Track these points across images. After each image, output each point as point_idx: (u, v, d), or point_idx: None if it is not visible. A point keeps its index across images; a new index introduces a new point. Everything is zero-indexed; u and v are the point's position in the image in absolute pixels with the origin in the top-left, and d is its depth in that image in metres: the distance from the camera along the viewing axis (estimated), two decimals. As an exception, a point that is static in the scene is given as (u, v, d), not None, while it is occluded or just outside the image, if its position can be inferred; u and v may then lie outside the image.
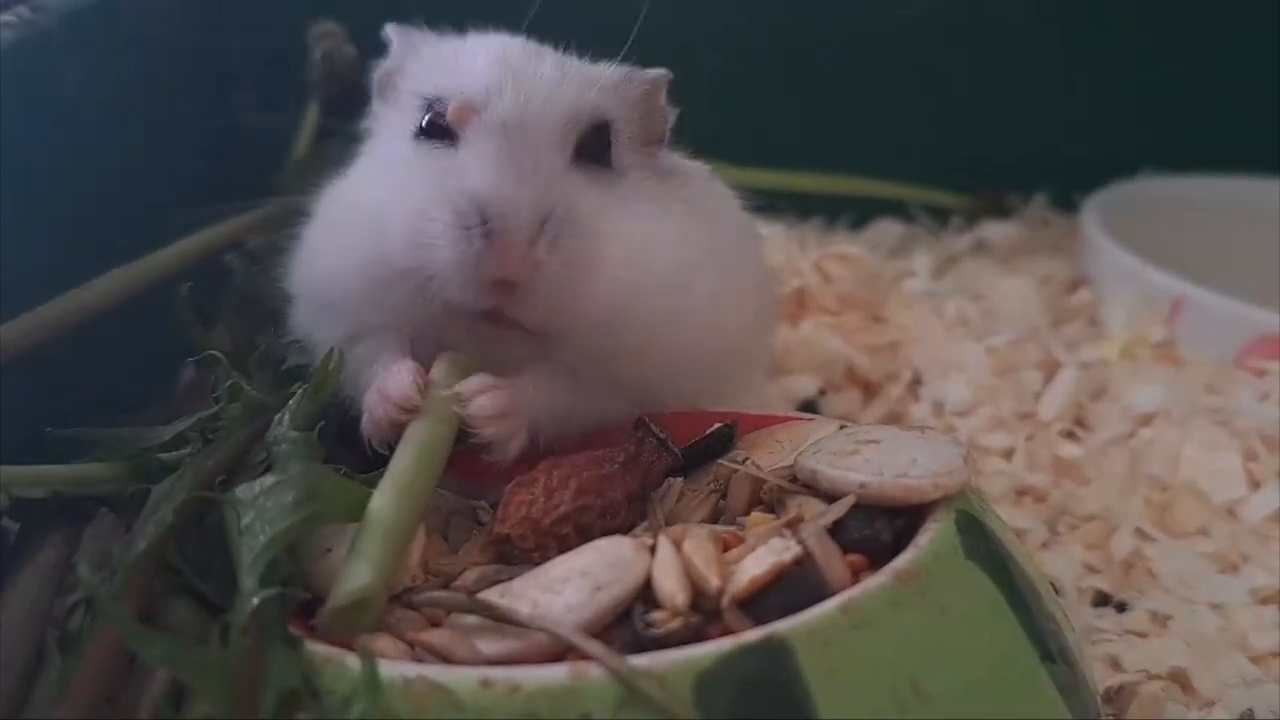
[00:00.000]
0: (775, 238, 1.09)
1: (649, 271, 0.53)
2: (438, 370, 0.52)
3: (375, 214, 0.52)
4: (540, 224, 0.50)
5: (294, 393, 0.52)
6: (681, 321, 0.55)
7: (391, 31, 0.60)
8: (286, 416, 0.50)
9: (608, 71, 0.56)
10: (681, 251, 0.55)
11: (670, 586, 0.41)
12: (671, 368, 0.55)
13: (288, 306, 0.60)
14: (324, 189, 0.59)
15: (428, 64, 0.57)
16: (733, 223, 0.65)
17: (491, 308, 0.51)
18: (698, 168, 0.65)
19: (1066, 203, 1.20)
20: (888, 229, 1.21)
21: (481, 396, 0.50)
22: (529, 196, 0.50)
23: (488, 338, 0.52)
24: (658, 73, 0.58)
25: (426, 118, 0.54)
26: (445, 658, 0.41)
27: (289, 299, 0.59)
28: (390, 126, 0.59)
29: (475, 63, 0.54)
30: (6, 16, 0.68)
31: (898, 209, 1.22)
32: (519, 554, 0.47)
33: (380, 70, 0.61)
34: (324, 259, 0.56)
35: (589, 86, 0.54)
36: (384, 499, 0.46)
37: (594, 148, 0.54)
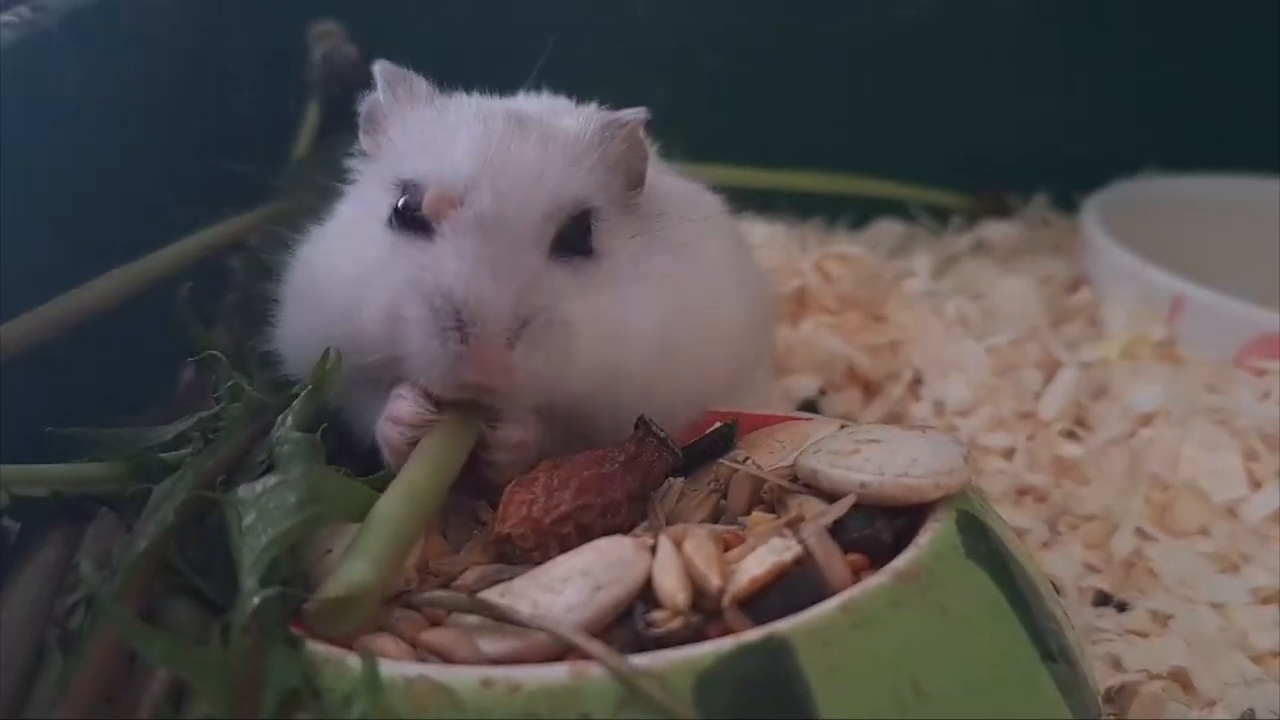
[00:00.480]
0: (775, 237, 1.09)
1: (631, 350, 0.53)
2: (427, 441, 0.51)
3: (349, 300, 0.52)
4: (518, 326, 0.49)
5: (295, 394, 0.52)
6: (668, 375, 0.54)
7: (379, 71, 0.58)
8: (289, 418, 0.50)
9: (589, 132, 0.54)
10: (663, 315, 0.54)
11: (671, 586, 0.41)
12: (665, 408, 0.55)
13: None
14: (308, 235, 0.59)
15: (409, 134, 0.55)
16: (720, 246, 0.64)
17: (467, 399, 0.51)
18: (680, 188, 0.64)
19: (1067, 202, 1.20)
20: (888, 229, 1.21)
21: (511, 425, 0.51)
22: (507, 299, 0.49)
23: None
24: (635, 114, 0.56)
25: (402, 201, 0.52)
26: (446, 657, 0.41)
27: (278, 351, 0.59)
28: (369, 190, 0.57)
29: (455, 146, 0.52)
30: (7, 16, 0.68)
31: (898, 209, 1.22)
32: (520, 553, 0.47)
33: (367, 105, 0.58)
34: (300, 330, 0.56)
35: (573, 169, 0.53)
36: (392, 500, 0.46)
37: (574, 236, 0.53)
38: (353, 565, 0.43)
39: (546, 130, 0.54)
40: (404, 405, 0.51)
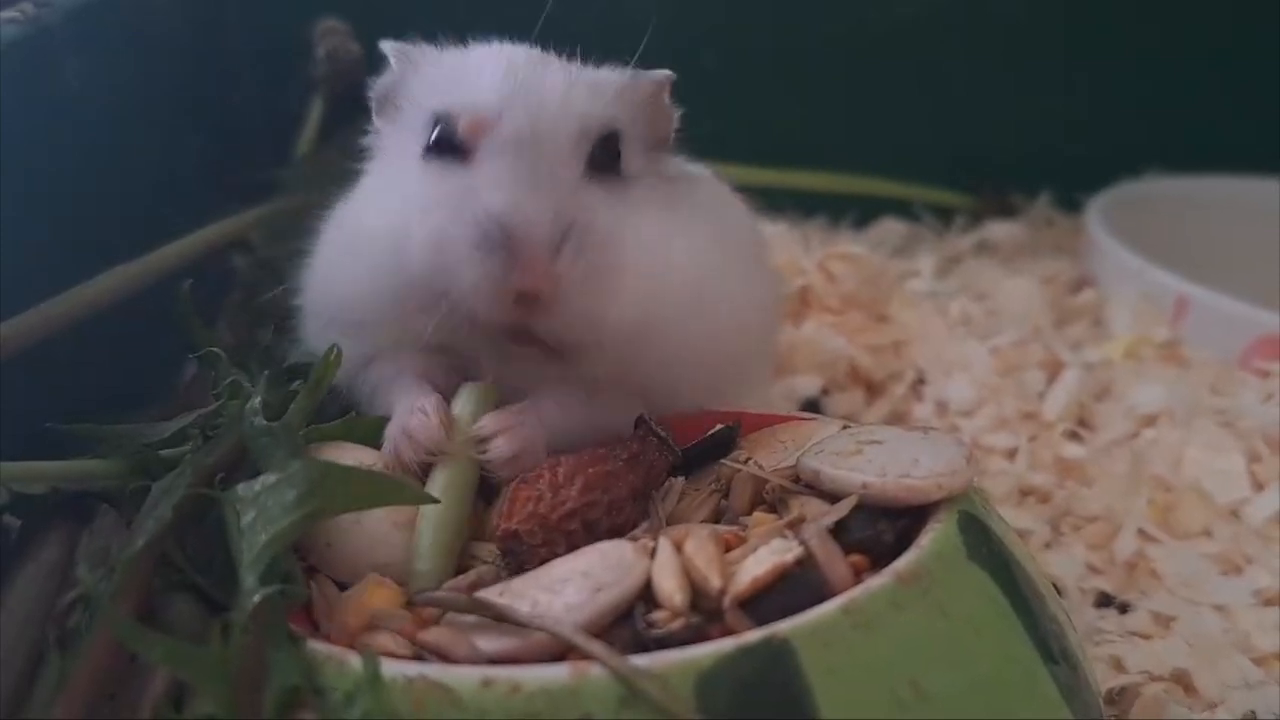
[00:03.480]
0: (779, 237, 1.09)
1: (670, 277, 0.53)
2: (460, 404, 0.52)
3: (393, 235, 0.52)
4: (561, 236, 0.49)
5: (296, 391, 0.52)
6: (703, 325, 0.55)
7: (389, 48, 0.59)
8: (257, 407, 0.50)
9: (614, 76, 0.56)
10: (697, 256, 0.55)
11: (669, 586, 0.41)
12: (694, 372, 0.56)
13: (296, 320, 0.59)
14: (331, 210, 0.59)
15: (432, 79, 0.57)
16: (740, 225, 0.66)
17: (517, 324, 0.51)
18: (701, 171, 0.65)
19: (1070, 203, 1.20)
20: (891, 228, 1.21)
21: (499, 439, 0.51)
22: (548, 210, 0.49)
23: (511, 356, 0.52)
24: (661, 74, 0.58)
25: (436, 133, 0.53)
26: (444, 656, 0.41)
27: (298, 314, 0.59)
28: (396, 144, 0.57)
29: (483, 76, 0.53)
30: (9, 13, 0.68)
31: (901, 209, 1.22)
32: (526, 550, 0.47)
33: (379, 87, 0.59)
34: (341, 280, 0.56)
35: (598, 95, 0.54)
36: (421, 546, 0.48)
37: (605, 157, 0.54)
38: None
39: (570, 66, 0.55)
40: (419, 423, 0.51)
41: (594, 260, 0.50)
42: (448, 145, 0.53)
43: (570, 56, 0.57)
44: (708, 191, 0.63)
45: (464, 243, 0.49)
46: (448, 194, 0.51)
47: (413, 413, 0.51)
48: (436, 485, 0.50)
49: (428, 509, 0.49)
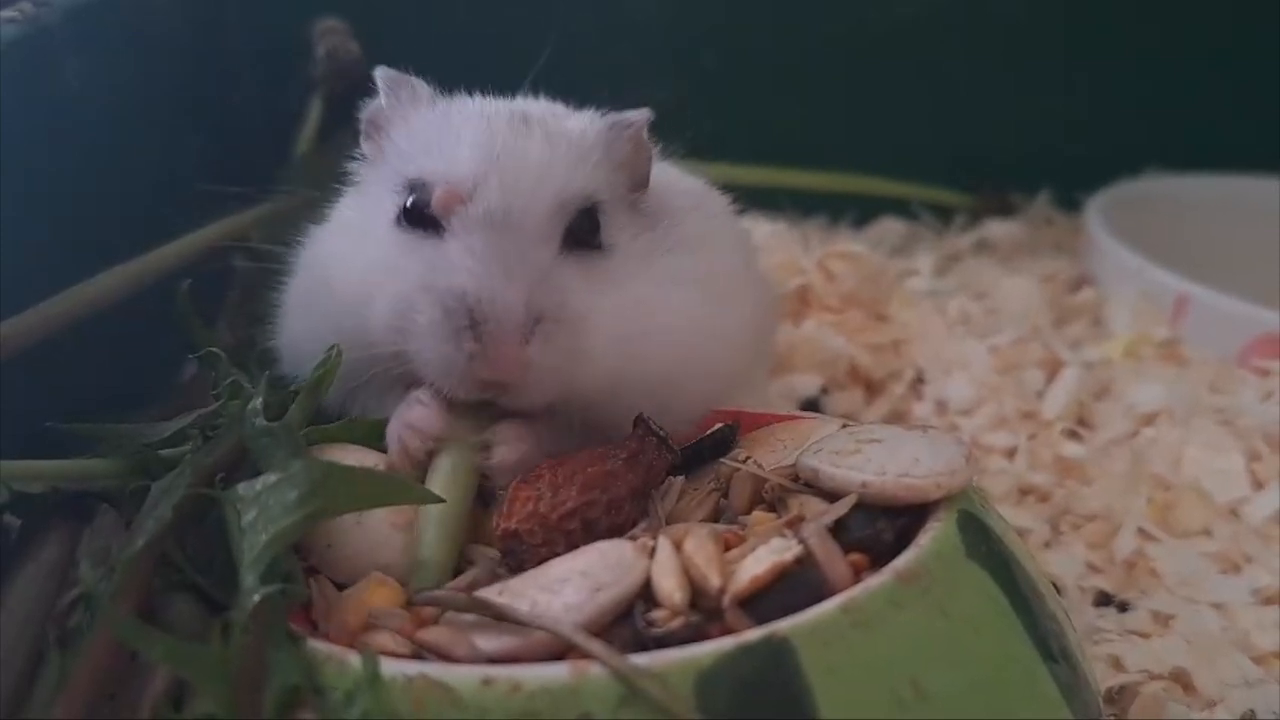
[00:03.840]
0: (778, 235, 1.09)
1: (643, 345, 0.53)
2: (436, 479, 0.51)
3: (358, 297, 0.51)
4: (532, 323, 0.49)
5: (296, 391, 0.52)
6: (681, 373, 0.54)
7: (379, 77, 0.58)
8: (258, 409, 0.49)
9: (593, 131, 0.55)
10: (675, 312, 0.54)
11: (668, 585, 0.41)
12: (676, 406, 0.55)
13: (275, 355, 0.59)
14: (305, 239, 0.58)
15: (414, 135, 0.55)
16: (726, 243, 0.64)
17: (483, 397, 0.50)
18: (686, 185, 0.64)
19: (1069, 201, 1.20)
20: (891, 227, 1.21)
21: (503, 448, 0.50)
22: (519, 296, 0.48)
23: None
24: (640, 115, 0.56)
25: (410, 201, 0.52)
26: (443, 655, 0.41)
27: (275, 350, 0.59)
28: (373, 192, 0.56)
29: (460, 144, 0.52)
30: (9, 12, 0.68)
31: (901, 208, 1.22)
32: (526, 549, 0.47)
33: (369, 112, 0.58)
34: (306, 329, 0.55)
35: (578, 164, 0.53)
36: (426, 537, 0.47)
37: (582, 230, 0.53)
38: None
39: (551, 128, 0.54)
40: (422, 413, 0.50)
41: (563, 343, 0.50)
42: (420, 215, 0.52)
43: (556, 99, 0.56)
44: (690, 216, 0.60)
45: (430, 318, 0.49)
46: (418, 264, 0.51)
47: (411, 405, 0.51)
48: (440, 472, 0.50)
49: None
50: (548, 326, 0.49)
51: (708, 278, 0.58)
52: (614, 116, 0.56)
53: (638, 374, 0.52)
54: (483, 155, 0.51)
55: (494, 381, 0.49)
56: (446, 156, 0.52)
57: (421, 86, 0.58)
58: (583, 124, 0.56)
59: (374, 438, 0.52)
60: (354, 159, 0.60)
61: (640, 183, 0.57)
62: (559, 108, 0.59)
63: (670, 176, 0.63)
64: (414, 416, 0.51)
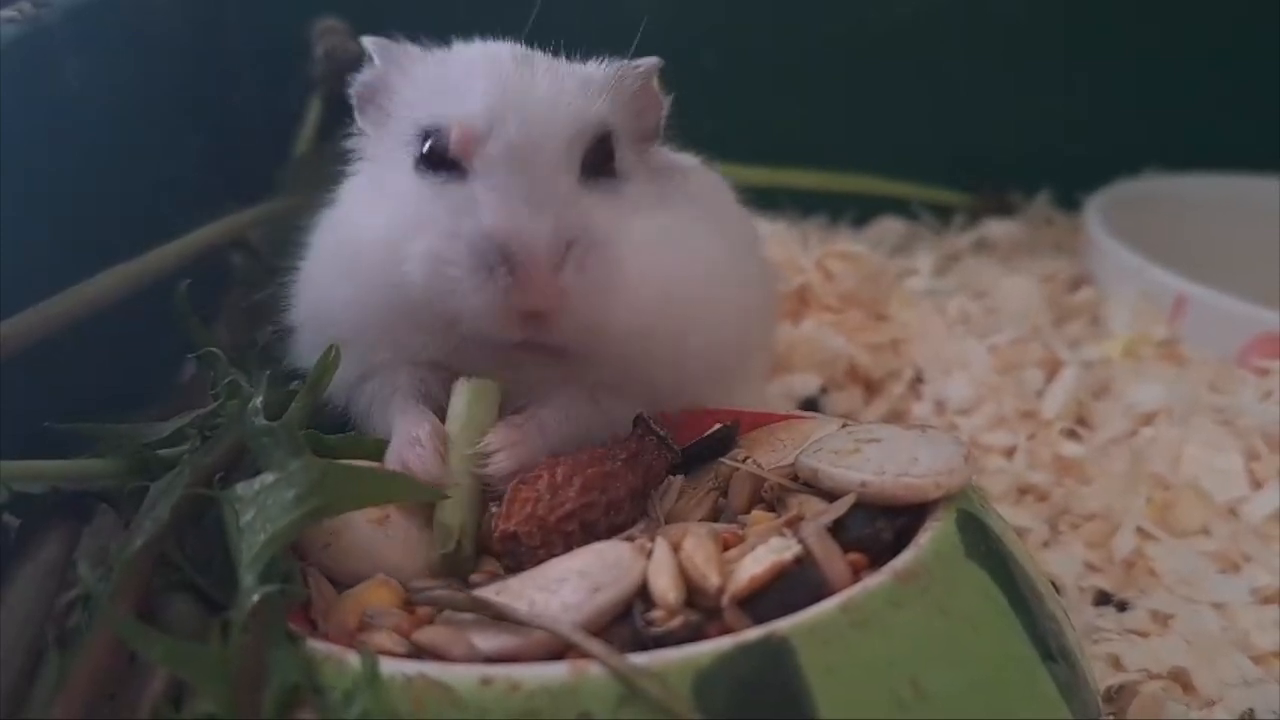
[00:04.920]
0: (777, 235, 1.09)
1: (672, 277, 0.53)
2: (458, 402, 0.52)
3: (387, 254, 0.51)
4: (562, 250, 0.49)
5: (295, 391, 0.52)
6: (707, 320, 0.54)
7: (370, 45, 0.58)
8: (258, 408, 0.49)
9: (602, 70, 0.55)
10: (697, 254, 0.55)
11: (663, 585, 0.41)
12: (700, 367, 0.55)
13: (287, 336, 0.58)
14: (319, 218, 0.58)
15: (419, 85, 0.56)
16: (734, 217, 0.66)
17: (524, 338, 0.50)
18: (690, 161, 0.65)
19: (1069, 201, 1.20)
20: (890, 227, 1.21)
21: (499, 455, 0.50)
22: (547, 225, 0.49)
23: (515, 363, 0.52)
24: (649, 62, 0.57)
25: (427, 147, 0.52)
26: (441, 654, 0.41)
27: (289, 329, 0.58)
28: (385, 153, 0.56)
29: (471, 85, 0.52)
30: (8, 12, 0.68)
31: (900, 207, 1.22)
32: (525, 550, 0.47)
33: (359, 85, 0.58)
34: (333, 299, 0.54)
35: (589, 94, 0.53)
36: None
37: (599, 159, 0.53)
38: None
39: (557, 65, 0.55)
40: (415, 455, 0.50)
41: (596, 269, 0.50)
42: (439, 160, 0.52)
43: (556, 52, 0.56)
44: (699, 183, 0.62)
45: (463, 265, 0.49)
46: (443, 211, 0.51)
47: (409, 445, 0.51)
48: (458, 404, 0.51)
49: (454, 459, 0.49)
50: (578, 252, 0.49)
51: (721, 234, 0.58)
52: (622, 61, 0.56)
53: (670, 308, 0.52)
54: (496, 92, 0.52)
55: (533, 311, 0.49)
56: (459, 97, 0.52)
57: (412, 47, 0.58)
58: (591, 66, 0.56)
59: (375, 458, 0.52)
60: (352, 137, 0.60)
61: (650, 133, 0.58)
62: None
63: (679, 156, 0.64)
64: (410, 460, 0.50)
